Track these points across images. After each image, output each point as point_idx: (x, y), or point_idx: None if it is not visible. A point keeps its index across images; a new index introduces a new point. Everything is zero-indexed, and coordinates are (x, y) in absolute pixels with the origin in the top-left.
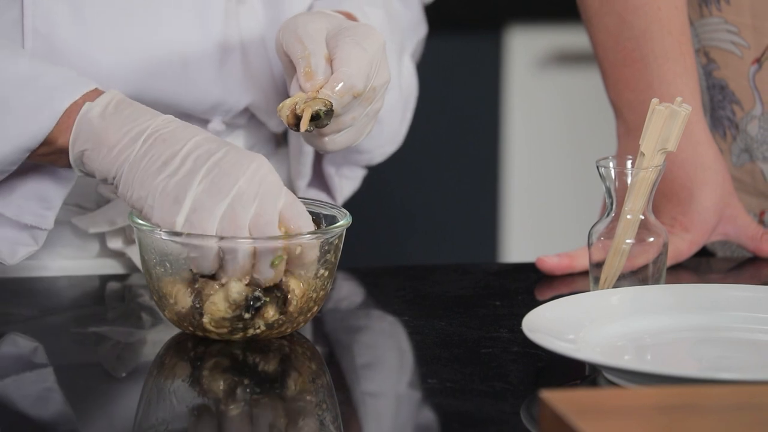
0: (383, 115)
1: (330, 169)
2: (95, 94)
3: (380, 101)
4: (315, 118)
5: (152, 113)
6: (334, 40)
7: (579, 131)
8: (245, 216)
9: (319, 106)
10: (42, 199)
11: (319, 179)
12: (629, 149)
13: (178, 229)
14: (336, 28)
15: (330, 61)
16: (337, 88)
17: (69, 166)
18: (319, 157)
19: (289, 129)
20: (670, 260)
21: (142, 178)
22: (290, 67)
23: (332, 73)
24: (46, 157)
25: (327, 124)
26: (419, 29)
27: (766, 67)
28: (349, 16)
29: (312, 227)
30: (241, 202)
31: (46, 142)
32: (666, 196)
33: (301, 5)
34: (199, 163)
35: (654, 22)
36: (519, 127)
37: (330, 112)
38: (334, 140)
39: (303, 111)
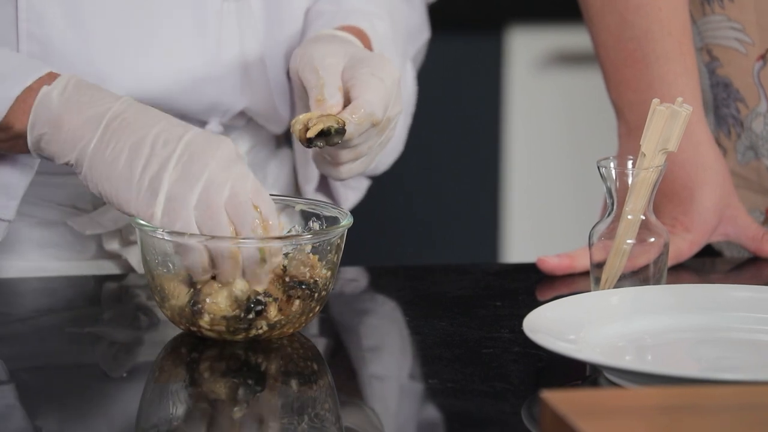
0: None
1: (335, 181)
2: (51, 77)
3: (393, 131)
4: (326, 134)
5: (111, 95)
6: (351, 71)
7: (580, 132)
8: (219, 199)
9: (331, 123)
10: (3, 187)
11: (325, 188)
12: (630, 149)
13: (156, 220)
14: (352, 59)
15: (343, 91)
16: (356, 116)
17: (28, 151)
18: None
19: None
20: (671, 260)
21: (111, 167)
22: (302, 92)
23: (350, 102)
24: (4, 144)
25: (337, 143)
26: (421, 34)
27: None
28: (360, 34)
29: (275, 213)
30: (214, 186)
31: (1, 128)
32: (667, 196)
33: (300, 7)
34: (170, 149)
35: (655, 23)
36: (520, 127)
37: (341, 132)
38: (349, 168)
39: (314, 125)
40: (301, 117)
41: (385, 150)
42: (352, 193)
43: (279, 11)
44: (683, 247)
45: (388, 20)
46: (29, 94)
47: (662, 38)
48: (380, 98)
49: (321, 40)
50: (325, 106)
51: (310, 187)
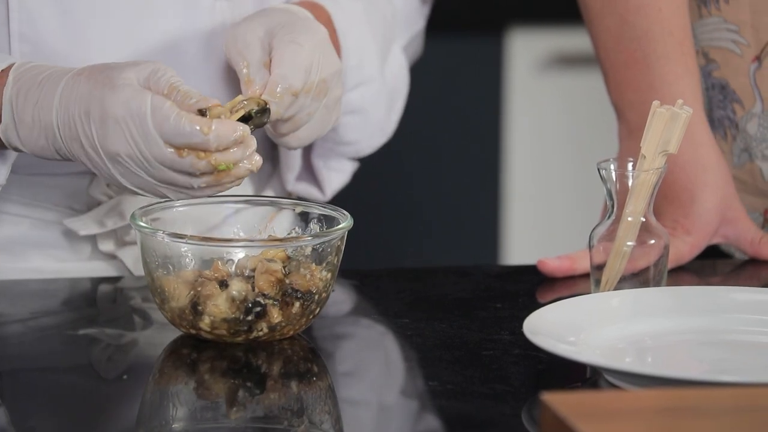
0: (365, 107)
1: (318, 162)
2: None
3: (338, 89)
4: (247, 118)
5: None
6: (272, 41)
7: (580, 133)
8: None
9: (251, 107)
10: None
11: (309, 172)
12: (631, 150)
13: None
14: (273, 27)
15: (269, 66)
16: (277, 91)
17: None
18: (307, 150)
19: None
20: (672, 263)
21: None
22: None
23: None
24: None
25: (266, 123)
26: (415, 22)
27: (766, 65)
28: (316, 8)
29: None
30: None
31: None
32: (667, 199)
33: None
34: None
35: (655, 23)
36: (520, 129)
37: (264, 112)
38: (297, 136)
39: (236, 112)
40: (228, 105)
41: (366, 131)
42: (335, 175)
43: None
44: (684, 249)
45: (362, 2)
46: None
47: (663, 39)
48: (297, 66)
49: (247, 18)
50: (253, 86)
51: (291, 175)
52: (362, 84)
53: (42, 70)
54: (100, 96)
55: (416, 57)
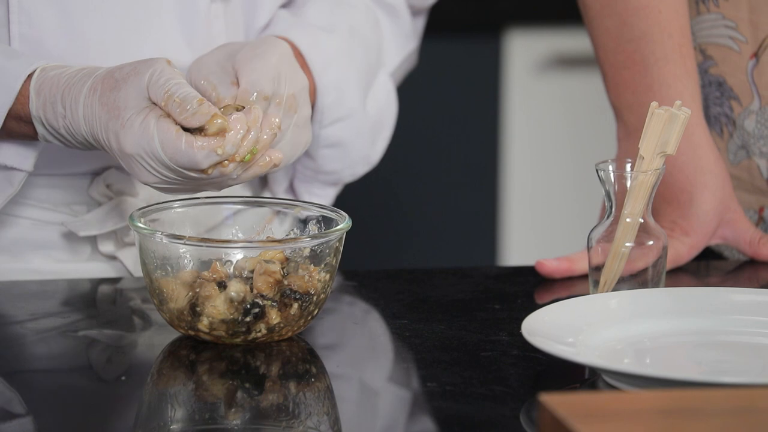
0: (345, 140)
1: (300, 187)
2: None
3: (306, 107)
4: None
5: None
6: (237, 61)
7: (579, 134)
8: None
9: (231, 111)
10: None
11: (292, 193)
12: (629, 152)
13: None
14: (235, 50)
15: (236, 85)
16: (251, 99)
17: (32, 132)
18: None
19: None
20: (670, 264)
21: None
22: None
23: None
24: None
25: None
26: (406, 45)
27: (764, 61)
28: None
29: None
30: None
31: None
32: (666, 200)
33: (271, 10)
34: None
35: (655, 25)
36: (519, 130)
37: None
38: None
39: None
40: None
41: (347, 162)
42: (317, 200)
43: (255, 12)
44: (682, 250)
45: (343, 37)
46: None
47: (662, 40)
48: (264, 74)
49: (207, 53)
50: (224, 103)
51: (279, 188)
52: (341, 119)
53: (59, 78)
54: (114, 132)
55: (409, 71)
